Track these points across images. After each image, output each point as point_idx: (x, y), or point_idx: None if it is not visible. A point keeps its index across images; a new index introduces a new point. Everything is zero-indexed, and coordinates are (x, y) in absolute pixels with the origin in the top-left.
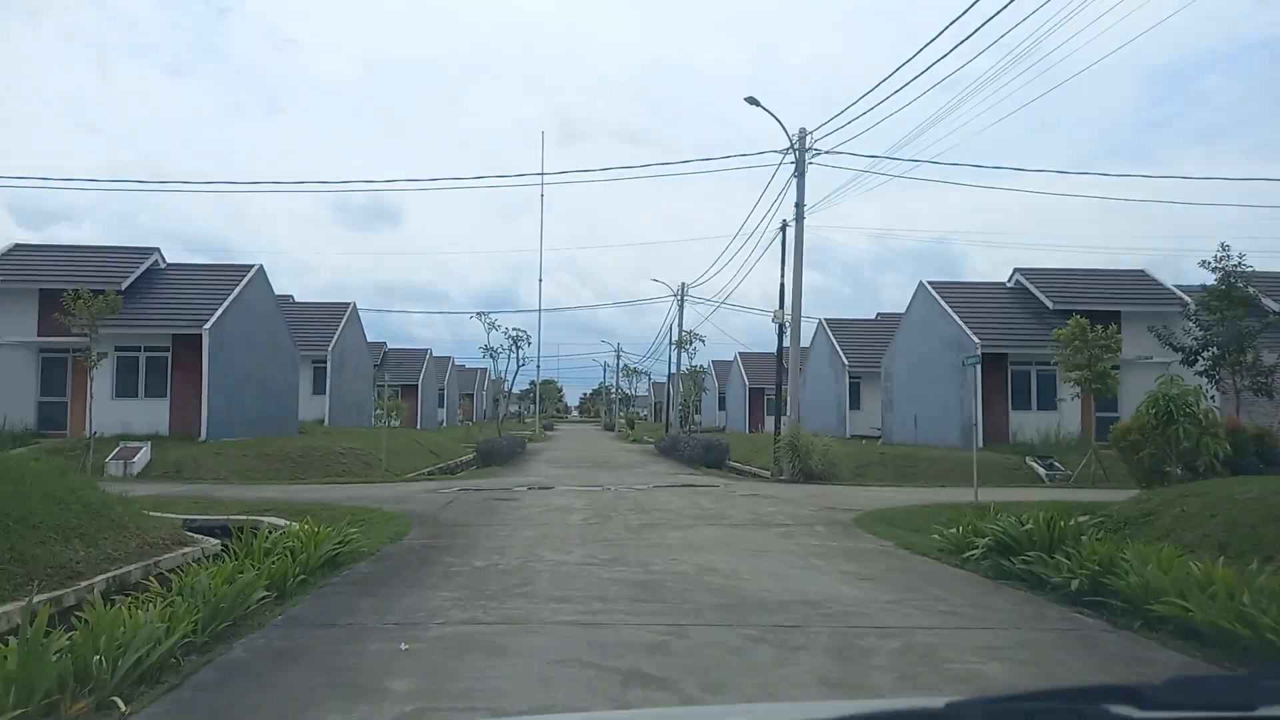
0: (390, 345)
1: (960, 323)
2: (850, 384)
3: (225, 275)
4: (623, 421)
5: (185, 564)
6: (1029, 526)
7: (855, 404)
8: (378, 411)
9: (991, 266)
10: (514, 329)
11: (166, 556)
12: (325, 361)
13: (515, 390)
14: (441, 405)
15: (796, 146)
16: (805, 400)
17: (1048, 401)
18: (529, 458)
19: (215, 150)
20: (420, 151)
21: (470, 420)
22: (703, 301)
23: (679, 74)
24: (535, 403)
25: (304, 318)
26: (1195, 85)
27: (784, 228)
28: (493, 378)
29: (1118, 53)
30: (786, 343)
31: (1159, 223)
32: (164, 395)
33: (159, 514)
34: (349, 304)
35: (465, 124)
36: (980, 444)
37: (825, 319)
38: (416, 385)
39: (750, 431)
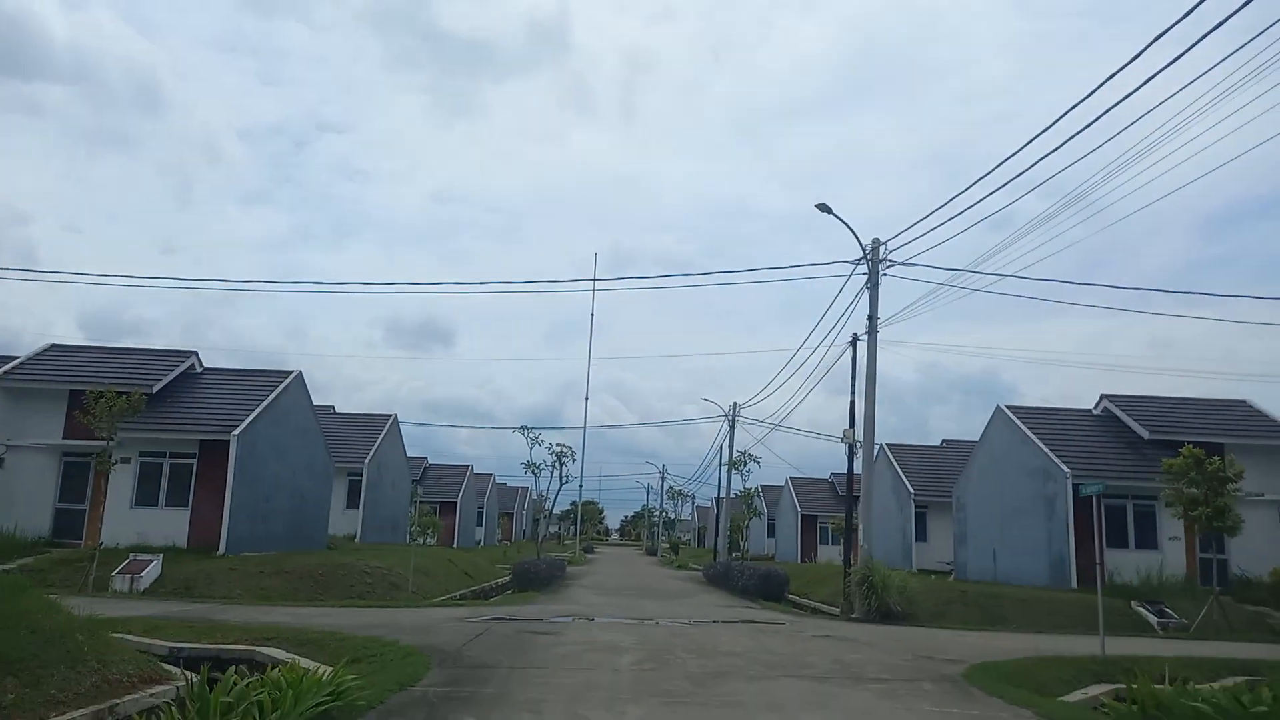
0: (431, 461)
1: (1046, 450)
2: (916, 514)
3: (261, 381)
4: (666, 546)
5: (151, 708)
6: (1261, 708)
7: (921, 535)
8: (413, 528)
9: (1040, 400)
10: (558, 444)
11: (127, 699)
12: (361, 475)
13: (556, 510)
14: (480, 523)
15: (870, 257)
16: (865, 530)
17: (1146, 539)
18: (569, 582)
19: (285, 273)
20: (477, 278)
21: (509, 540)
22: (753, 423)
23: (734, 216)
24: (576, 524)
25: (343, 429)
26: (1249, 229)
27: (854, 342)
28: (534, 496)
29: (1169, 199)
30: (858, 466)
31: (1212, 355)
32: (185, 505)
33: (145, 640)
34: (389, 416)
35: (522, 255)
36: (1074, 584)
37: (887, 444)
38: (455, 502)
39: (802, 561)
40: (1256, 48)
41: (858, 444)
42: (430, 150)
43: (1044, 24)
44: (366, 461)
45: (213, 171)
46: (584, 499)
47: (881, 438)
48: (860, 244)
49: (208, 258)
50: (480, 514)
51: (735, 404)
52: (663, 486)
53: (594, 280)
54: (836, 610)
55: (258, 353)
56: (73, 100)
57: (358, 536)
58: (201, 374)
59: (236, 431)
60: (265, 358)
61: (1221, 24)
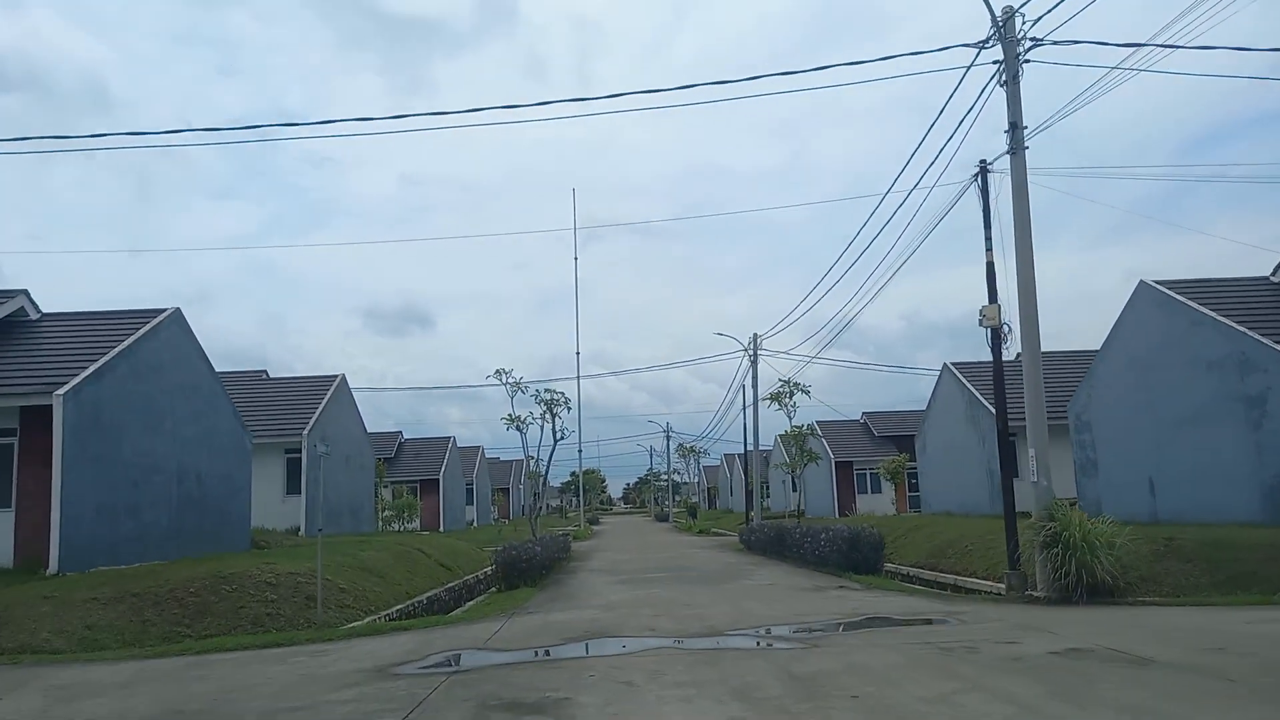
0: (407, 435)
1: (1243, 330)
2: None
3: (114, 325)
4: (679, 510)
5: None
6: None
7: (1013, 470)
8: (387, 513)
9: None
10: (546, 390)
11: None
12: (300, 450)
13: (555, 483)
14: (471, 502)
15: (1003, 33)
16: (930, 472)
17: None
18: (575, 565)
19: (257, 265)
20: (450, 256)
21: (506, 518)
22: (777, 355)
23: (706, 176)
24: (579, 494)
25: (275, 396)
26: (1221, 152)
27: (982, 171)
28: (529, 468)
29: (1144, 128)
30: (1011, 355)
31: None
32: (8, 505)
33: None
34: (335, 377)
35: (494, 230)
36: None
37: (952, 363)
38: (437, 480)
39: (840, 515)
40: None
41: (1007, 327)
42: (391, 133)
43: None
44: (306, 433)
45: (176, 169)
46: (584, 468)
47: (871, 394)
48: (992, 13)
49: (177, 256)
50: (470, 492)
51: (756, 335)
52: (669, 446)
53: (582, 101)
54: (981, 583)
55: (234, 352)
56: (23, 106)
57: (302, 529)
58: (38, 321)
59: (63, 390)
60: (243, 355)
61: None
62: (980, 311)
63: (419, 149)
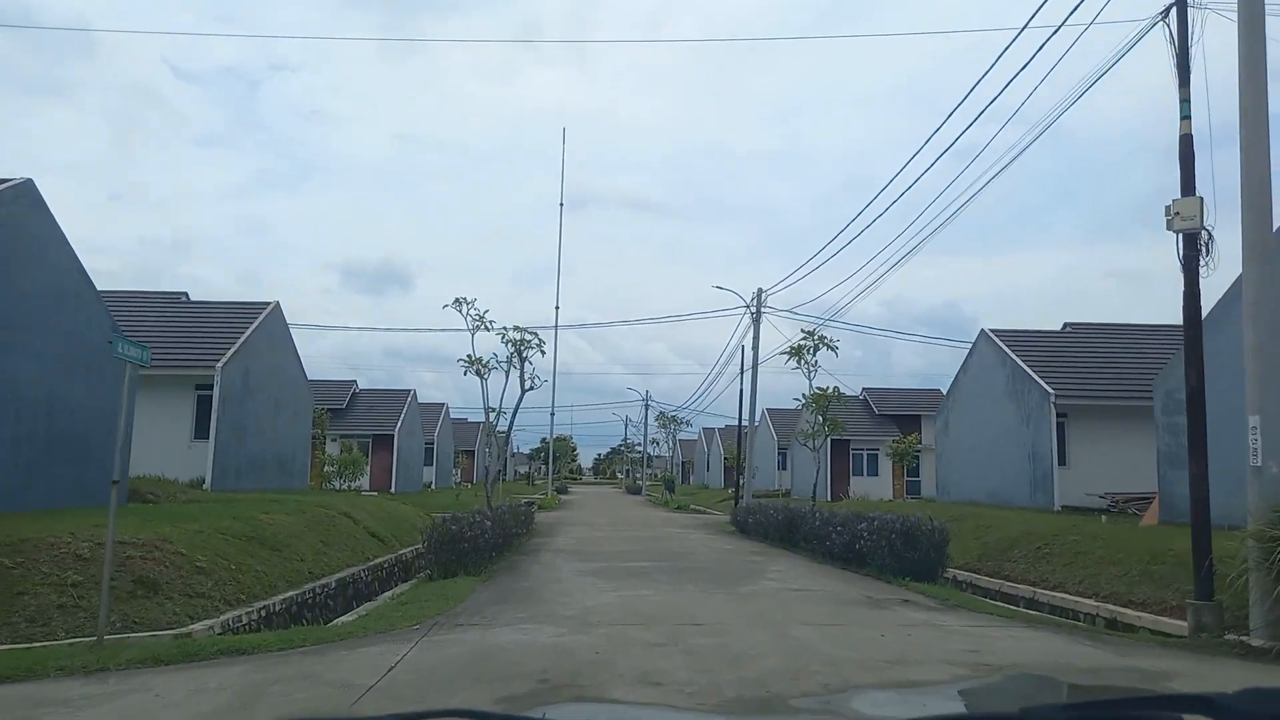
0: (362, 386)
1: None
2: (1056, 425)
3: None
4: (654, 482)
5: None
6: None
7: (1062, 458)
8: (328, 469)
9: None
10: (515, 327)
11: None
12: (212, 387)
13: (524, 448)
14: (430, 463)
15: None
16: (952, 455)
17: None
18: (538, 542)
19: (244, 220)
20: (441, 220)
21: (469, 482)
22: (776, 311)
23: (702, 154)
24: (549, 461)
25: (189, 322)
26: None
27: (1174, 7)
28: (489, 421)
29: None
30: (1220, 282)
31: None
32: None
33: None
34: (266, 304)
35: (486, 198)
36: None
37: (991, 329)
38: (392, 435)
39: (833, 498)
40: None
41: (1207, 232)
42: (386, 92)
43: None
44: (221, 366)
45: (160, 117)
46: (555, 434)
47: (845, 374)
48: None
49: (163, 205)
50: (430, 452)
51: (760, 290)
52: (647, 415)
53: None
54: (1082, 600)
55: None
56: (13, 46)
57: (208, 482)
58: None
59: None
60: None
61: None
62: (1169, 209)
63: (408, 109)
